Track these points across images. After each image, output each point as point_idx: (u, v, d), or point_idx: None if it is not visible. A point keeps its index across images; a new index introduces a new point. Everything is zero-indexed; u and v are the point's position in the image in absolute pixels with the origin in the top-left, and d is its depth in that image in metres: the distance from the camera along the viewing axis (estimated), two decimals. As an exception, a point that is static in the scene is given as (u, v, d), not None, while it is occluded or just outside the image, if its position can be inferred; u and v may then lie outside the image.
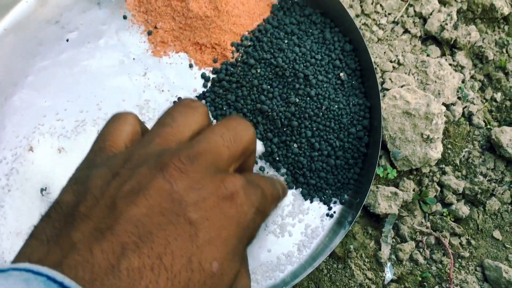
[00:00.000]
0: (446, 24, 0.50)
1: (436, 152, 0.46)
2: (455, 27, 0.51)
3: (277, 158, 0.43)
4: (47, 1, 0.47)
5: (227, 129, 0.23)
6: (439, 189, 0.48)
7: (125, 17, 0.47)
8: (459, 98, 0.51)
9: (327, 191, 0.43)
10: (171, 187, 0.20)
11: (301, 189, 0.43)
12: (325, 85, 0.43)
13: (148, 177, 0.20)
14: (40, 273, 0.17)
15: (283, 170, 0.43)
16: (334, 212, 0.43)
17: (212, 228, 0.21)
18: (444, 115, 0.49)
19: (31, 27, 0.46)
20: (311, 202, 0.43)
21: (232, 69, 0.45)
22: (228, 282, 0.22)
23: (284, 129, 0.42)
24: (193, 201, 0.20)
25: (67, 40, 0.46)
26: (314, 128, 0.42)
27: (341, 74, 0.44)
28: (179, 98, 0.45)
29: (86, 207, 0.20)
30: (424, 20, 0.51)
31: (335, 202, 0.43)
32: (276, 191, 0.25)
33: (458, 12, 0.52)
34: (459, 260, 0.46)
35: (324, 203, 0.43)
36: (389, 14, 0.51)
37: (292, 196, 0.43)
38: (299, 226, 0.43)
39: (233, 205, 0.22)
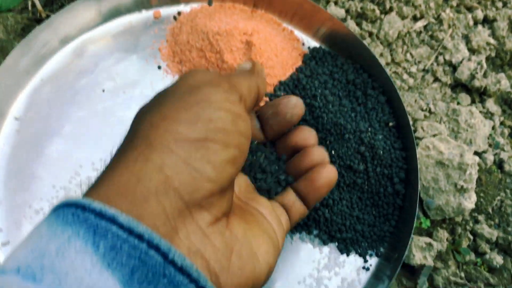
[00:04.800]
0: (477, 72, 0.50)
1: (470, 202, 0.46)
2: (485, 75, 0.51)
3: (307, 221, 0.43)
4: (83, 52, 0.48)
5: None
6: (472, 238, 0.48)
7: (159, 68, 0.48)
8: (490, 145, 0.51)
9: (362, 243, 0.43)
10: None
11: (337, 243, 0.43)
12: (376, 138, 0.43)
13: None
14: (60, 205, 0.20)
15: (315, 232, 0.43)
16: (371, 265, 0.43)
17: None
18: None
19: (68, 78, 0.47)
20: (348, 255, 0.43)
21: None
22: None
23: None
24: None
25: (103, 91, 0.47)
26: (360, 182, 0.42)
27: (390, 124, 0.44)
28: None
29: None
30: (454, 68, 0.51)
31: (371, 255, 0.43)
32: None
33: (487, 59, 0.53)
34: (495, 311, 0.46)
35: (360, 256, 0.43)
36: (419, 62, 0.51)
37: (328, 248, 0.43)
38: (336, 280, 0.42)
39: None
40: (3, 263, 0.18)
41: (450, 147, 0.46)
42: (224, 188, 0.22)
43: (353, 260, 0.43)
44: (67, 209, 0.18)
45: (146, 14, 0.50)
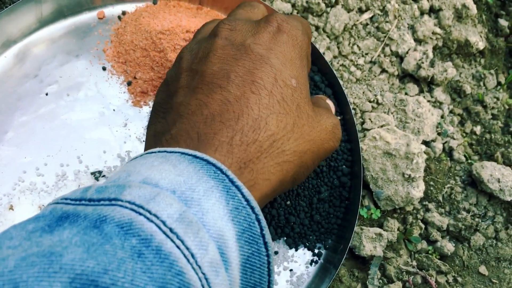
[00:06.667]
0: (422, 62, 0.50)
1: (418, 191, 0.47)
2: (432, 64, 0.52)
3: None
4: (25, 56, 0.47)
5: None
6: (423, 226, 0.48)
7: (104, 69, 0.47)
8: (439, 134, 0.51)
9: (311, 237, 0.43)
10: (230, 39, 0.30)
11: (285, 238, 0.43)
12: None
13: (211, 43, 0.31)
14: (173, 151, 0.25)
15: None
16: (319, 258, 0.43)
17: (278, 54, 0.29)
18: (425, 152, 0.49)
19: (10, 82, 0.46)
20: (296, 250, 0.43)
21: None
22: (306, 94, 0.30)
23: None
24: (252, 42, 0.29)
25: (46, 94, 0.46)
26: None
27: (339, 117, 0.44)
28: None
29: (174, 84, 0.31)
30: (401, 58, 0.52)
31: (319, 248, 0.43)
32: (305, 20, 0.35)
33: (434, 48, 0.53)
34: (447, 298, 0.46)
35: (309, 249, 0.43)
36: (366, 54, 0.51)
37: (276, 244, 0.43)
38: (284, 274, 0.42)
39: (284, 33, 0.30)
40: (150, 176, 0.23)
41: (396, 137, 0.47)
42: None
43: (302, 254, 0.43)
44: (208, 166, 0.24)
45: (89, 15, 0.49)
